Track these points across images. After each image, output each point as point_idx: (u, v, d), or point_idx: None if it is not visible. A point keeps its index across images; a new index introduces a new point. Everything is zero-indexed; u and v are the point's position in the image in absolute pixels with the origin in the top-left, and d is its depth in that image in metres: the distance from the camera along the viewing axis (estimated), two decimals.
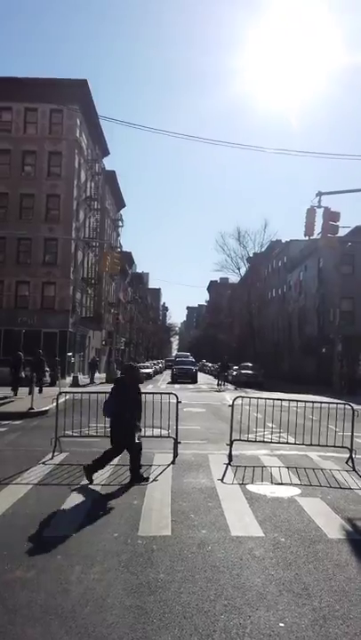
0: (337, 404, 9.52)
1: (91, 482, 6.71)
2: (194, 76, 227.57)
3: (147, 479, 6.90)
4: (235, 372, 38.20)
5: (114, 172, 52.83)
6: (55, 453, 8.37)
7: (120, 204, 61.25)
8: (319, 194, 14.04)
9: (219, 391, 27.97)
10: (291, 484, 6.96)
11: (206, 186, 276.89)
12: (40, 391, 19.22)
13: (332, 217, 13.78)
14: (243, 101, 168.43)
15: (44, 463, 7.90)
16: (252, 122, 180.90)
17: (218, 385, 32.70)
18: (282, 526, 5.25)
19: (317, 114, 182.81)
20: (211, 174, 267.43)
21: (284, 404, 10.18)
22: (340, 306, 33.31)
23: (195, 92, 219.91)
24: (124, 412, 6.88)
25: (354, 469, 7.99)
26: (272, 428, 10.93)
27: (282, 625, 3.31)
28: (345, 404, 9.11)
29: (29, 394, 15.41)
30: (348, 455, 8.41)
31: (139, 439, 7.00)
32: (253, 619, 3.38)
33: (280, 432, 10.68)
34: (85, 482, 6.75)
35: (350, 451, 8.38)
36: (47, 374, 25.54)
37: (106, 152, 47.51)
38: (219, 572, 4.09)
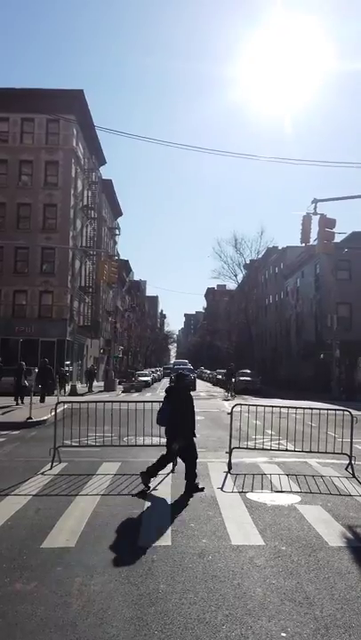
0: (336, 410, 9.52)
1: (148, 488, 6.85)
2: (191, 85, 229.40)
3: (202, 489, 6.88)
4: (233, 379, 38.12)
5: (110, 180, 53.08)
6: (54, 464, 8.33)
7: (117, 212, 61.45)
8: (315, 201, 14.14)
9: (226, 399, 27.36)
10: (291, 492, 6.94)
11: (204, 193, 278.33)
12: (42, 400, 19.24)
13: (327, 224, 13.86)
14: (239, 109, 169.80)
15: (42, 474, 7.86)
16: (248, 129, 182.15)
17: (227, 393, 31.39)
18: (282, 534, 5.23)
19: (312, 120, 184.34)
20: (208, 181, 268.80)
21: (283, 410, 10.16)
22: (338, 312, 33.35)
23: (193, 101, 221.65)
24: (181, 422, 6.98)
25: (354, 476, 7.97)
26: (271, 435, 10.92)
27: (284, 635, 3.29)
28: (344, 410, 9.11)
29: (31, 403, 15.35)
30: (347, 462, 8.39)
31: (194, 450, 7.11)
32: (255, 629, 3.36)
33: (279, 439, 10.67)
34: (84, 492, 6.72)
35: (350, 457, 8.37)
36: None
37: (102, 161, 47.74)
38: (220, 582, 4.07)
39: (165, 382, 50.30)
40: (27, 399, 17.55)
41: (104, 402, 9.83)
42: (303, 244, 15.02)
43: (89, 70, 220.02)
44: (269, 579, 4.16)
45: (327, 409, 10.07)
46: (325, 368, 32.89)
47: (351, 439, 8.50)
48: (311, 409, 9.86)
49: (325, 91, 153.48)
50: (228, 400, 25.93)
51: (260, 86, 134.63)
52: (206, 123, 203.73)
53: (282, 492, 6.96)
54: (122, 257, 64.15)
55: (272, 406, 10.08)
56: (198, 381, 48.11)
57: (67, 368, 31.17)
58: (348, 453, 8.42)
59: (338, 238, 27.44)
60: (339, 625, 3.44)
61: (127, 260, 70.44)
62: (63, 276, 35.36)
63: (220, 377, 47.74)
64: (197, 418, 16.46)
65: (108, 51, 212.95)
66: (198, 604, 3.70)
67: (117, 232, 61.86)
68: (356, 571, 4.36)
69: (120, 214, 63.11)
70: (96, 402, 10.06)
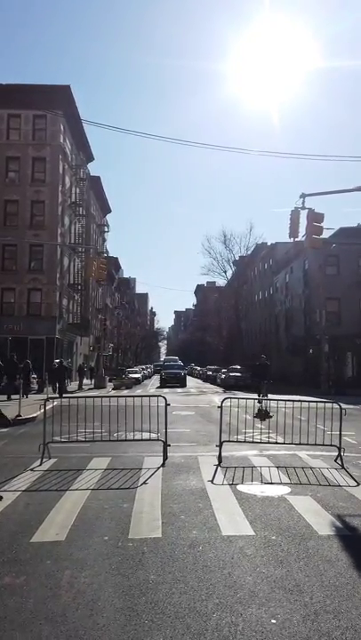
0: (325, 402, 9.58)
1: None
2: (182, 82, 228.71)
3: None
4: (223, 375, 38.27)
5: (99, 177, 52.81)
6: (44, 460, 8.29)
7: (106, 209, 61.18)
8: (303, 195, 14.18)
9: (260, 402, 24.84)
10: (281, 483, 6.98)
11: (193, 190, 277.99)
12: (26, 396, 19.19)
13: (315, 218, 13.91)
14: (231, 106, 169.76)
15: (32, 470, 7.82)
16: (239, 125, 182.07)
17: (260, 396, 26.64)
18: (272, 524, 5.26)
19: (300, 117, 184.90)
20: (198, 178, 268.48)
21: (273, 404, 10.22)
22: (326, 307, 33.58)
23: (182, 98, 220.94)
24: None
25: (343, 467, 8.04)
26: (261, 428, 10.96)
27: (274, 622, 3.31)
28: (333, 402, 9.18)
29: (20, 400, 15.26)
30: (336, 453, 8.45)
31: None
32: (245, 616, 3.37)
33: (269, 432, 10.72)
34: (74, 487, 6.70)
35: (339, 449, 8.43)
36: (35, 382, 25.40)
37: (90, 157, 47.46)
38: (210, 572, 4.08)
39: (156, 379, 50.28)
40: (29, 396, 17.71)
41: (93, 397, 9.79)
42: (292, 239, 15.08)
43: (79, 67, 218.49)
44: (259, 567, 4.18)
45: (316, 401, 10.13)
46: (315, 363, 33.13)
47: (340, 431, 8.56)
48: (300, 401, 9.91)
49: (312, 87, 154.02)
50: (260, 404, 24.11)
51: (251, 83, 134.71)
52: (198, 119, 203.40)
53: (272, 483, 6.99)
54: (111, 254, 63.93)
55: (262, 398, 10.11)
56: (189, 378, 48.17)
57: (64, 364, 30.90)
58: (338, 445, 8.48)
59: (326, 234, 27.60)
60: (328, 611, 3.47)
61: (116, 258, 70.24)
62: (52, 273, 35.14)
63: (210, 373, 47.86)
64: (188, 413, 16.58)
65: (100, 48, 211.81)
66: (189, 593, 3.71)
67: (106, 229, 61.65)
68: (346, 558, 4.39)
69: (109, 211, 62.86)
70: (85, 397, 10.02)
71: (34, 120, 35.71)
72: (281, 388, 25.05)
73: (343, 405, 8.84)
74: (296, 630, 3.21)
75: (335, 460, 8.38)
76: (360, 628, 3.24)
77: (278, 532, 5.01)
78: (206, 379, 49.93)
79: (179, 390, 32.68)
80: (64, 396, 19.85)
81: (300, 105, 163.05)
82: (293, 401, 10.01)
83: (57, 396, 19.64)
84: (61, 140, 36.46)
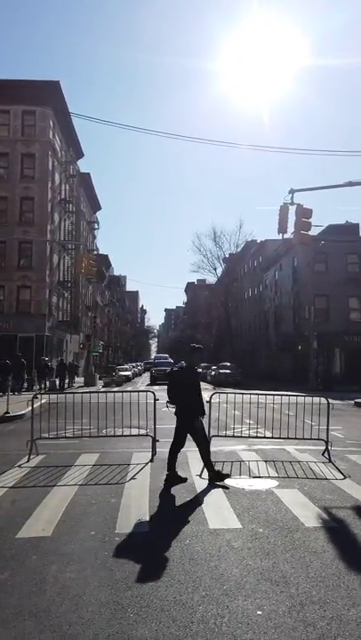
0: (313, 396, 9.62)
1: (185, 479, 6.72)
2: (175, 80, 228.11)
3: (227, 476, 6.78)
4: (213, 372, 38.31)
5: (89, 174, 52.53)
6: (31, 456, 8.23)
7: (96, 206, 60.89)
8: (292, 191, 14.20)
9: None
10: (268, 477, 6.99)
11: (183, 187, 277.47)
12: (18, 393, 19.15)
13: (304, 214, 13.93)
14: (221, 103, 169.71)
15: (19, 466, 7.75)
16: (229, 123, 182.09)
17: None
18: (260, 517, 5.26)
19: (290, 114, 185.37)
20: (189, 176, 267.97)
21: (261, 399, 10.23)
22: (315, 304, 33.72)
23: (175, 95, 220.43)
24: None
25: (330, 461, 8.08)
26: (250, 424, 10.99)
27: (260, 613, 3.31)
28: (320, 396, 9.22)
29: (8, 397, 15.16)
30: (324, 447, 8.49)
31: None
32: (231, 608, 3.37)
33: (257, 428, 10.74)
34: (62, 483, 6.66)
35: (326, 443, 8.47)
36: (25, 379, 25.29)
37: (80, 154, 47.17)
38: (197, 565, 4.07)
39: (146, 377, 50.21)
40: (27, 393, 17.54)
41: (82, 393, 9.74)
42: (281, 235, 15.09)
43: (70, 64, 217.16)
44: (246, 560, 4.18)
45: (304, 396, 10.17)
46: (303, 359, 33.26)
47: (328, 426, 8.60)
48: (288, 396, 9.94)
49: (302, 84, 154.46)
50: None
51: (241, 80, 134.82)
52: (189, 116, 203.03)
53: (260, 477, 7.00)
54: (101, 252, 63.69)
55: (250, 394, 10.12)
56: None
57: (49, 362, 30.77)
58: (325, 439, 8.52)
59: (315, 231, 27.75)
60: (314, 601, 3.47)
61: (107, 255, 69.94)
62: (41, 270, 34.92)
63: (200, 370, 47.83)
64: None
65: (91, 45, 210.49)
66: (175, 586, 3.70)
67: (96, 226, 61.40)
68: (332, 549, 4.41)
69: (99, 208, 62.57)
70: (74, 392, 9.96)
71: (23, 116, 35.42)
72: (270, 385, 25.12)
73: (331, 401, 8.88)
74: (282, 621, 3.21)
75: (323, 454, 8.42)
76: (346, 619, 3.25)
77: (265, 525, 5.02)
78: None
79: None
80: (52, 392, 19.82)
81: (290, 102, 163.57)
82: (282, 396, 10.03)
83: (58, 391, 19.68)
84: (51, 136, 36.19)
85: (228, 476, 6.80)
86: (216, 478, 6.67)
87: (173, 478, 6.56)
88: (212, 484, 6.55)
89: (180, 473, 7.04)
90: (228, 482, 6.70)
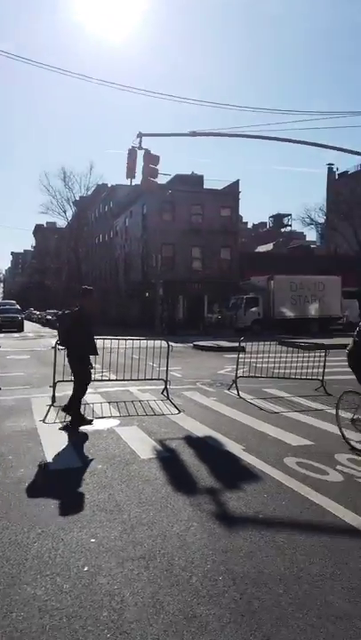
0: (156, 340, 10.11)
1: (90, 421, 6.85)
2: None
3: (90, 422, 6.81)
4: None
5: None
6: None
7: None
8: (140, 135, 14.02)
9: None
10: (111, 417, 7.31)
11: (31, 120, 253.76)
12: None
13: (152, 160, 13.95)
14: (72, 32, 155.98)
15: None
16: (83, 58, 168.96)
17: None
18: (100, 454, 5.51)
19: (142, 53, 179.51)
20: (37, 107, 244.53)
21: (107, 344, 10.42)
22: (162, 252, 34.71)
23: (24, 17, 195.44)
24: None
25: (168, 398, 8.71)
26: (96, 367, 11.13)
27: (93, 540, 3.54)
28: (162, 340, 9.74)
29: None
30: (163, 386, 9.09)
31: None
32: (66, 540, 3.54)
33: (103, 371, 10.98)
34: None
35: (165, 382, 9.08)
36: None
37: None
38: (35, 506, 4.15)
39: None
40: None
41: None
42: (128, 180, 14.96)
43: None
44: (84, 495, 4.38)
45: (147, 340, 10.65)
46: (150, 306, 34.42)
47: (167, 366, 9.19)
48: (134, 340, 10.31)
49: (150, 25, 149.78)
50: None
51: (97, 11, 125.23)
52: (43, 39, 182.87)
53: (102, 417, 7.27)
54: None
55: (98, 339, 10.19)
56: (28, 323, 46.25)
57: None
58: (164, 379, 9.11)
59: (163, 180, 28.08)
60: (143, 523, 3.82)
61: None
62: None
63: (49, 317, 46.44)
64: (23, 357, 16.03)
65: None
66: (11, 528, 3.73)
67: None
68: (162, 477, 4.85)
69: None
70: None
71: None
72: (119, 330, 25.64)
73: (172, 344, 9.45)
74: (113, 544, 3.49)
75: (162, 393, 9.02)
76: (169, 534, 3.65)
77: (104, 461, 5.28)
78: (46, 323, 48.38)
79: (15, 335, 31.23)
80: None
81: (141, 41, 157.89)
82: (126, 340, 10.35)
83: None
84: None
85: (91, 421, 6.90)
86: (78, 423, 6.75)
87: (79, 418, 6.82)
88: (54, 428, 6.61)
89: (21, 419, 6.94)
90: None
